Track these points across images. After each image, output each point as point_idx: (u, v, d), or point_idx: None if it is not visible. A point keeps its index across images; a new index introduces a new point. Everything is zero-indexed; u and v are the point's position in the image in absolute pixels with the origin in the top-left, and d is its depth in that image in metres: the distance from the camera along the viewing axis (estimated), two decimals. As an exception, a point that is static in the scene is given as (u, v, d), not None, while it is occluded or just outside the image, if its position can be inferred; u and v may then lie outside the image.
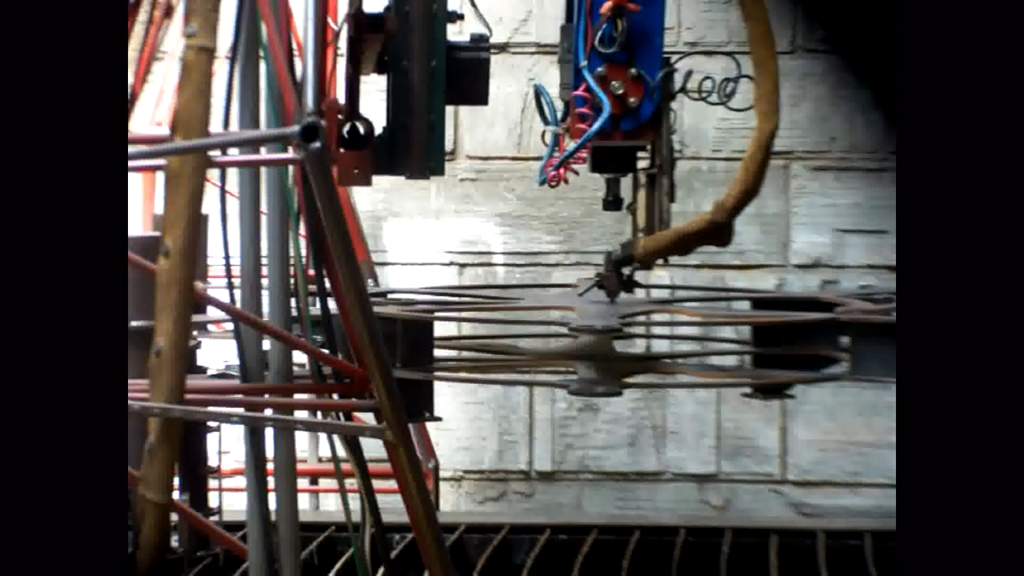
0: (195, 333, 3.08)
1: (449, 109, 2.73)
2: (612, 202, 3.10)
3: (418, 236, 5.23)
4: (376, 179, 2.69)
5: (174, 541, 2.89)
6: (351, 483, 2.56)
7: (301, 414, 2.48)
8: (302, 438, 4.71)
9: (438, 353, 2.90)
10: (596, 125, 2.78)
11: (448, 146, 5.03)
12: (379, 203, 5.19)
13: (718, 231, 2.73)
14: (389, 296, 3.48)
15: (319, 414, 2.51)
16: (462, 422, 5.23)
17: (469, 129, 5.20)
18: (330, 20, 2.57)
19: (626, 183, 3.07)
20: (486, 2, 2.94)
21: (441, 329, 2.99)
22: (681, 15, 5.09)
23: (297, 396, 2.45)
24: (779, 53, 2.69)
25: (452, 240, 5.24)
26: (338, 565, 3.84)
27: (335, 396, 2.44)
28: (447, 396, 4.98)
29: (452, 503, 5.21)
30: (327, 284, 2.38)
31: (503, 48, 5.11)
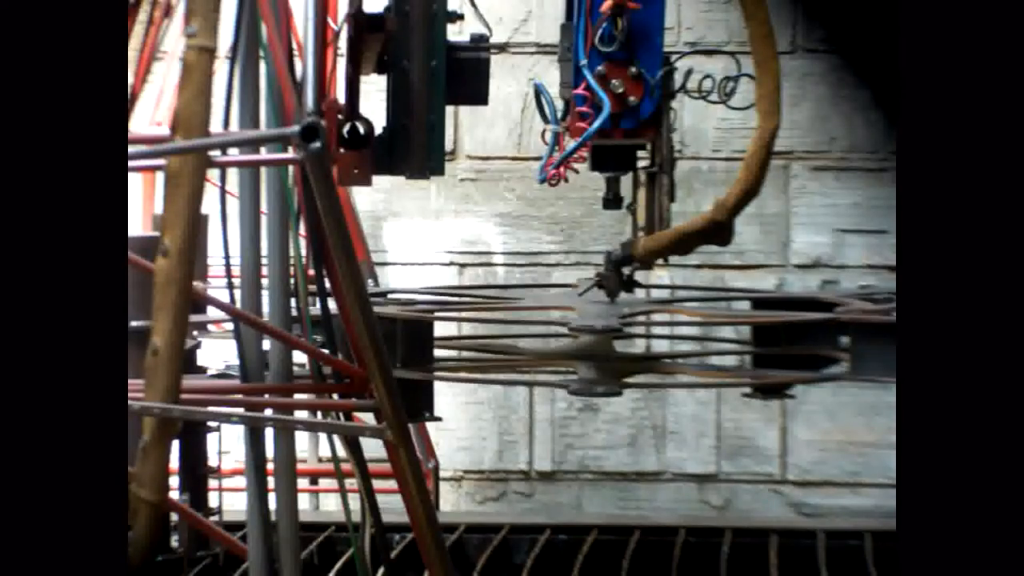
0: (195, 333, 3.08)
1: (449, 109, 2.73)
2: (612, 201, 3.10)
3: (418, 236, 5.23)
4: (376, 179, 2.69)
5: (174, 541, 2.89)
6: (351, 483, 2.56)
7: (301, 414, 2.48)
8: (302, 438, 4.71)
9: (438, 353, 2.90)
10: (596, 123, 2.78)
11: (448, 146, 5.02)
12: (379, 203, 5.19)
13: (719, 230, 2.73)
14: (389, 296, 3.47)
15: (319, 414, 2.51)
16: (462, 422, 5.22)
17: (469, 129, 5.19)
18: (330, 20, 2.56)
19: (626, 182, 3.07)
20: (486, 2, 2.93)
21: (441, 329, 2.98)
22: (681, 15, 5.09)
23: (297, 396, 2.45)
24: (780, 53, 2.69)
25: (452, 240, 5.24)
26: (338, 565, 3.84)
27: (335, 396, 2.44)
28: (447, 396, 4.98)
29: (452, 503, 5.21)
30: (327, 284, 2.37)
31: (503, 48, 5.11)
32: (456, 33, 2.75)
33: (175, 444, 2.83)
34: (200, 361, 3.07)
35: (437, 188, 5.20)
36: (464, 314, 3.48)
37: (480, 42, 2.73)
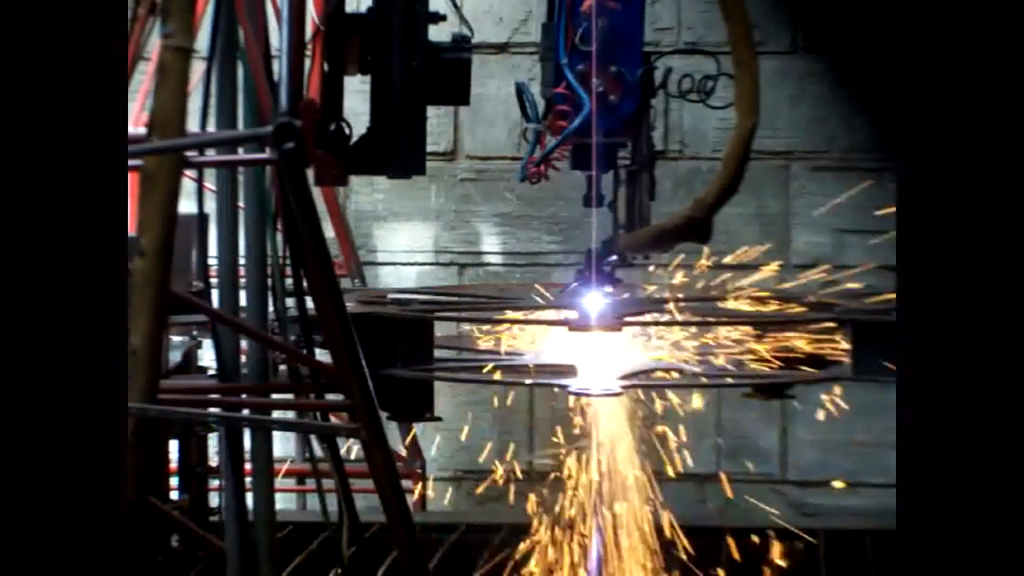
0: (195, 332, 3.09)
1: (449, 109, 2.74)
2: (593, 199, 3.11)
3: (418, 236, 5.23)
4: (376, 179, 2.70)
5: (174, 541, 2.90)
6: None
7: (288, 414, 2.49)
8: (290, 438, 4.75)
9: (438, 353, 2.90)
10: (576, 122, 2.79)
11: (448, 146, 5.02)
12: (378, 203, 5.18)
13: (697, 227, 2.73)
14: (389, 296, 3.48)
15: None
16: (462, 422, 5.22)
17: (469, 129, 5.18)
18: (316, 19, 2.57)
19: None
20: (486, 3, 2.93)
21: (441, 329, 2.99)
22: (681, 15, 5.08)
23: (276, 395, 2.45)
24: (780, 52, 2.69)
25: (452, 240, 5.24)
26: (337, 567, 3.84)
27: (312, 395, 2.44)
28: (447, 396, 4.98)
29: (452, 503, 5.21)
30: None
31: (503, 48, 5.10)
32: (454, 34, 2.76)
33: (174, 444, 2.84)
34: (201, 361, 3.08)
35: (437, 188, 5.19)
36: (464, 314, 3.48)
37: (462, 43, 2.74)
